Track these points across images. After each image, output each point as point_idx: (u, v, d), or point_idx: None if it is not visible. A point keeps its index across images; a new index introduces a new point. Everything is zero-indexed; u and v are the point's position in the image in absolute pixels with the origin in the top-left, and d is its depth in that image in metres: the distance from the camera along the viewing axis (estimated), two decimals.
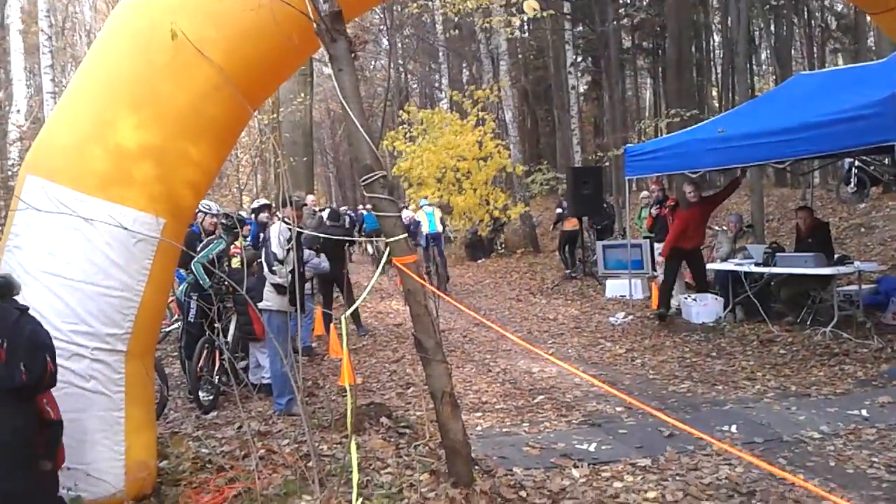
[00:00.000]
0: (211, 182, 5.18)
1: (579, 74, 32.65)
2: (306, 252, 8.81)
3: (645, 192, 13.14)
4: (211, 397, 6.89)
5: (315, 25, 4.11)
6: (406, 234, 4.28)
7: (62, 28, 27.46)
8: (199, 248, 7.24)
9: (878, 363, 7.04)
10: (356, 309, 10.04)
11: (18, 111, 15.45)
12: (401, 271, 4.23)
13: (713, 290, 10.23)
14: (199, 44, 4.21)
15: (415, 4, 20.30)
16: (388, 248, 4.29)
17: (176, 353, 8.59)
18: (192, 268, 7.10)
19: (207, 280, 7.01)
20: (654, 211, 11.84)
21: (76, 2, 28.65)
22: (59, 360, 3.99)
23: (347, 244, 11.56)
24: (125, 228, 4.15)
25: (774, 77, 27.29)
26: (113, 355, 4.23)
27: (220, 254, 7.22)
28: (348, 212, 18.23)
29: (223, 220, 7.51)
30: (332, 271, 9.77)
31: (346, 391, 7.01)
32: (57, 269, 4.10)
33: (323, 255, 8.97)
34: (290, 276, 6.42)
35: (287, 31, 4.21)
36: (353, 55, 4.28)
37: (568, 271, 15.15)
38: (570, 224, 15.37)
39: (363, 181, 4.26)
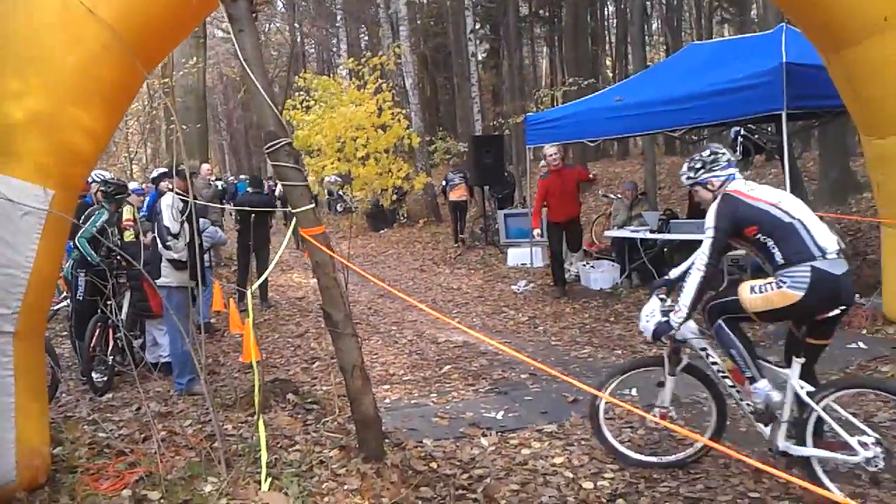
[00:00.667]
0: (103, 149, 4.89)
1: (478, 42, 32.77)
2: (203, 222, 8.50)
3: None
4: (105, 378, 6.57)
5: None
6: (313, 205, 4.17)
7: None
8: (81, 221, 6.82)
9: (764, 324, 7.40)
10: (264, 281, 9.81)
11: None
12: (309, 243, 4.12)
13: (609, 256, 10.52)
14: (88, 1, 3.93)
15: None
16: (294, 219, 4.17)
17: (66, 333, 8.17)
18: (77, 243, 6.71)
19: (95, 255, 6.66)
20: None
21: None
22: None
23: (269, 214, 11.11)
24: (10, 201, 3.86)
25: (666, 47, 28.19)
26: (0, 337, 3.96)
27: (105, 224, 6.82)
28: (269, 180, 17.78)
29: (102, 187, 7.05)
30: (254, 242, 9.53)
31: (248, 368, 6.89)
32: None
33: (218, 227, 8.70)
34: (186, 249, 6.17)
35: None
36: (254, 15, 4.10)
37: (456, 244, 15.50)
38: (457, 194, 16.06)
39: (267, 149, 4.11)
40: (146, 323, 7.16)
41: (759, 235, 3.82)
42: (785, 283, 3.68)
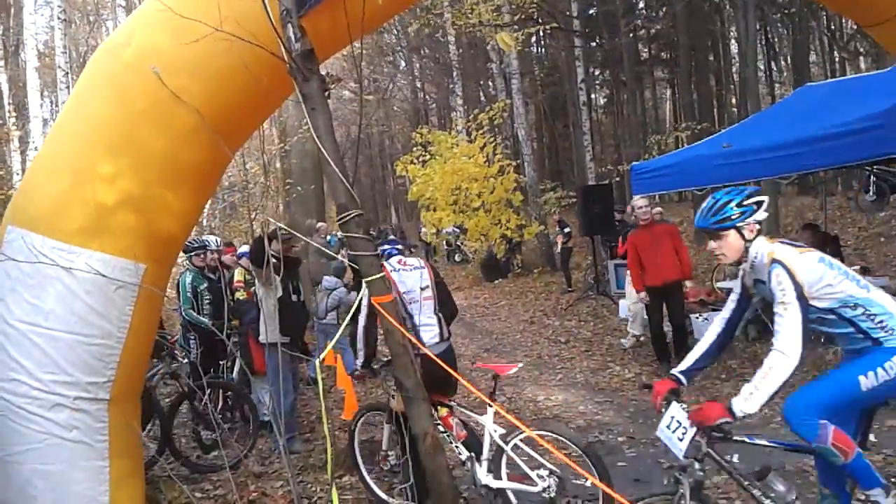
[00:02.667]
0: (191, 228, 5.17)
1: (597, 87, 32.59)
2: (330, 281, 8.77)
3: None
4: (213, 436, 6.85)
5: (287, 66, 4.09)
6: (383, 275, 4.23)
7: (82, 62, 27.96)
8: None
9: None
10: (375, 336, 9.95)
11: (36, 149, 15.66)
12: (378, 312, 4.18)
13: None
14: (175, 89, 4.20)
15: (426, 20, 20.38)
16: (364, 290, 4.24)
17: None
18: (183, 313, 7.15)
19: (200, 318, 7.04)
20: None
21: (95, 36, 29.12)
22: (39, 412, 4.00)
23: None
24: (104, 276, 4.14)
25: (793, 84, 27.02)
26: (95, 404, 4.20)
27: (193, 284, 7.24)
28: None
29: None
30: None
31: (349, 426, 7.00)
32: (36, 319, 4.09)
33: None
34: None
35: (257, 73, 4.20)
36: (326, 94, 4.26)
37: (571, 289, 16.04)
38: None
39: (339, 220, 4.23)
40: (252, 382, 7.42)
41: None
42: None
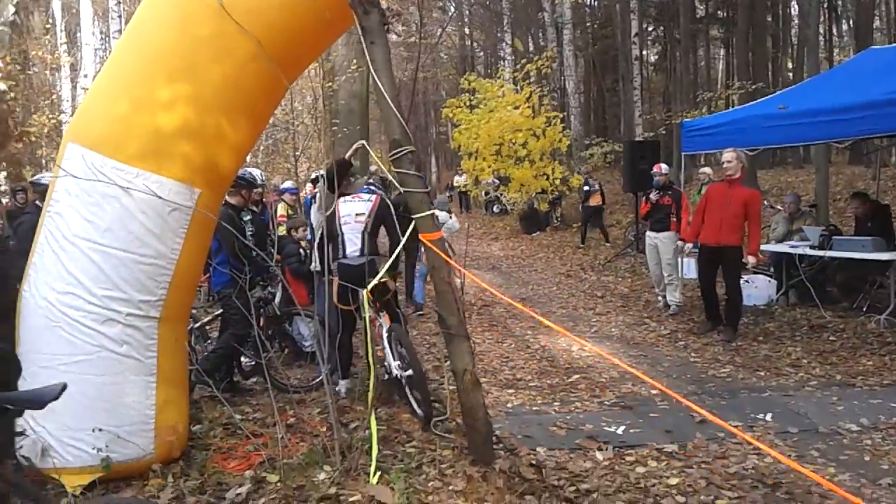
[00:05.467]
0: (244, 157, 5.24)
1: (649, 44, 31.92)
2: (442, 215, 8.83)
3: (705, 169, 12.72)
4: (252, 363, 7.03)
5: None
6: (433, 212, 4.27)
7: None
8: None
9: None
10: (410, 278, 10.06)
11: (86, 76, 15.88)
12: (426, 247, 4.23)
13: (766, 271, 9.94)
14: (237, 17, 4.23)
15: None
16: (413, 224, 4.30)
17: None
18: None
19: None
20: (653, 197, 9.98)
21: None
22: (93, 325, 4.15)
23: None
24: (160, 198, 4.24)
25: (854, 49, 26.16)
26: (146, 321, 4.34)
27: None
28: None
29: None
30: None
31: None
32: (93, 235, 4.21)
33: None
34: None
35: (319, 4, 4.21)
36: (385, 28, 4.25)
37: (582, 245, 16.73)
38: (595, 200, 17.03)
39: (392, 156, 4.27)
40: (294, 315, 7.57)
41: None
42: None
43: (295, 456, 4.59)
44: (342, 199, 6.20)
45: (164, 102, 4.26)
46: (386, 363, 5.86)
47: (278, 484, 4.19)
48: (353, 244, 6.05)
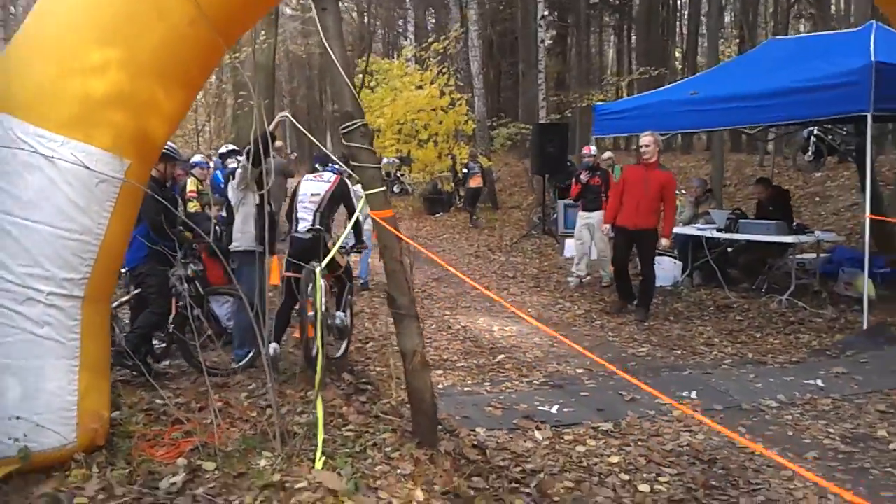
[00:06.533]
0: (176, 126, 4.91)
1: (545, 28, 32.30)
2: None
3: (608, 153, 13.00)
4: (164, 345, 6.68)
5: None
6: (385, 188, 4.13)
7: None
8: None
9: (832, 333, 7.18)
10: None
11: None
12: (378, 225, 4.09)
13: (671, 253, 10.29)
14: None
15: None
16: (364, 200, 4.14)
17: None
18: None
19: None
20: (583, 178, 10.28)
21: None
22: (11, 305, 3.80)
23: None
24: (88, 168, 3.90)
25: (738, 41, 27.41)
26: (69, 301, 4.00)
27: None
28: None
29: None
30: None
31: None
32: (12, 208, 3.84)
33: None
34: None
35: None
36: None
37: (472, 224, 17.39)
38: (475, 182, 17.71)
39: (343, 129, 4.09)
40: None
41: None
42: None
43: (229, 442, 4.37)
44: (305, 177, 6.60)
45: (95, 67, 3.91)
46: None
47: (216, 472, 3.97)
48: (304, 221, 6.26)
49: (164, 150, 5.95)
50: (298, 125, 6.00)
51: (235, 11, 4.26)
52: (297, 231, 6.27)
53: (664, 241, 8.20)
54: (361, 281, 9.89)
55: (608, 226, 8.76)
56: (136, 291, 6.19)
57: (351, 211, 6.32)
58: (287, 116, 6.01)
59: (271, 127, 6.08)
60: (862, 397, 5.41)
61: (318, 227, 6.21)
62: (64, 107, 3.87)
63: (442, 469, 4.08)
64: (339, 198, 6.39)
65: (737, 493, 3.96)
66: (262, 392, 5.32)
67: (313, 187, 6.41)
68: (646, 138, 8.22)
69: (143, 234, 5.66)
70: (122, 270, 7.15)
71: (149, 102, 4.08)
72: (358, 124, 3.95)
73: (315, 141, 5.54)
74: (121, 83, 3.93)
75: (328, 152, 6.25)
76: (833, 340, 6.95)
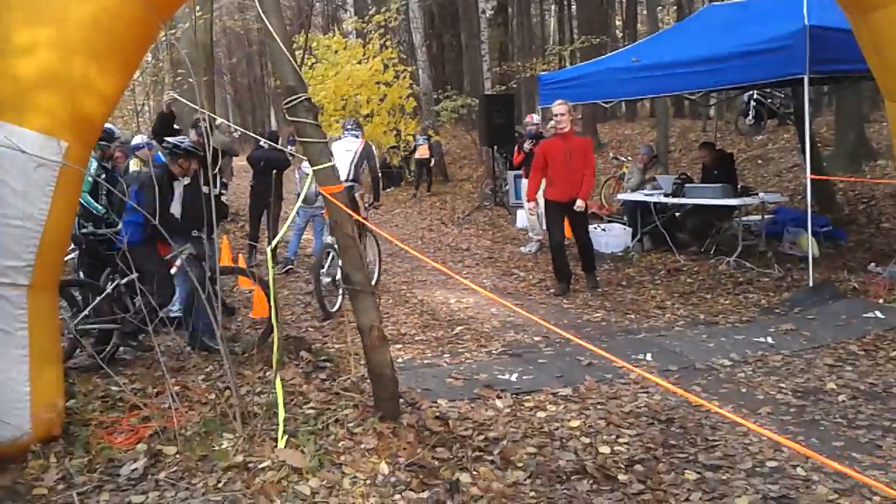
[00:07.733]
0: (113, 106, 4.77)
1: None
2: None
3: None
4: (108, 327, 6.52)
5: None
6: (333, 163, 4.07)
7: None
8: None
9: (780, 291, 7.37)
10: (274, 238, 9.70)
11: None
12: (327, 201, 4.04)
13: (621, 220, 10.44)
14: None
15: None
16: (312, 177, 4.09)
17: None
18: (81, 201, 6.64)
19: (98, 206, 6.61)
20: (527, 146, 10.46)
21: None
22: None
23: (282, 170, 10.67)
24: (24, 152, 3.77)
25: (676, 8, 27.68)
26: (14, 290, 3.88)
27: (97, 172, 6.71)
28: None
29: None
30: (264, 199, 9.43)
31: (258, 324, 6.85)
32: None
33: None
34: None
35: None
36: None
37: (414, 195, 18.06)
38: (421, 153, 18.25)
39: (286, 104, 4.01)
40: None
41: None
42: None
43: (189, 425, 4.31)
44: (336, 140, 8.01)
45: (24, 47, 3.77)
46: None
47: (177, 456, 3.93)
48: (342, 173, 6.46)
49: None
50: (185, 101, 5.84)
51: None
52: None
53: (579, 203, 7.78)
54: (287, 256, 9.89)
55: (532, 203, 8.61)
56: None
57: (373, 169, 8.10)
58: (174, 96, 5.84)
59: (165, 107, 6.02)
60: (811, 352, 5.57)
61: (352, 179, 7.48)
62: None
63: (405, 442, 4.09)
64: (364, 157, 7.86)
65: (695, 451, 4.05)
66: (220, 374, 5.25)
67: (346, 145, 7.85)
68: (559, 107, 8.01)
69: (139, 221, 5.59)
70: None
71: (82, 82, 3.96)
72: (301, 98, 3.88)
73: (216, 116, 5.41)
74: (51, 63, 3.81)
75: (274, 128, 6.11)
76: (781, 298, 7.14)
